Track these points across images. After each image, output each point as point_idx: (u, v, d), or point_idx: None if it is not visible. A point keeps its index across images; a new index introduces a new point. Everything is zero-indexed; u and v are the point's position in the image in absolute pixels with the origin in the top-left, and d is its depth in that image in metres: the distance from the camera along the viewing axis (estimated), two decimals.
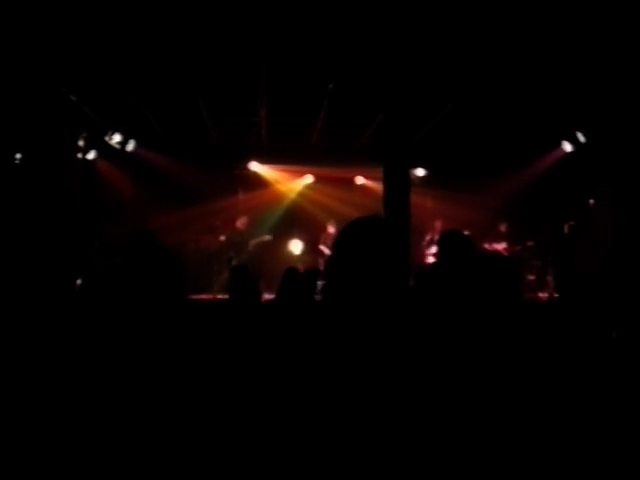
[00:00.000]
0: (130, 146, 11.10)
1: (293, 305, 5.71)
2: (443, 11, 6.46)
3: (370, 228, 1.93)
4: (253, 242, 11.74)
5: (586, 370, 3.29)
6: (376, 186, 11.42)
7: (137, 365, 2.79)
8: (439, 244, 3.48)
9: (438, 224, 11.63)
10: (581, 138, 10.93)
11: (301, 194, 13.31)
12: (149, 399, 2.71)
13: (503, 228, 11.77)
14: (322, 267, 11.74)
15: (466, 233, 11.78)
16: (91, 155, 10.66)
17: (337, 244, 1.95)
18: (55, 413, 2.85)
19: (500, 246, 11.59)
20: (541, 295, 10.88)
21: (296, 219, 12.78)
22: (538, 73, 8.29)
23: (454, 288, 3.11)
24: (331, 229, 11.92)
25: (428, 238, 11.42)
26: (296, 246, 12.17)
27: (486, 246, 11.56)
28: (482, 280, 3.10)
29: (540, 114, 10.38)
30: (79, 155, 10.47)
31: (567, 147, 11.29)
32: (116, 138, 10.76)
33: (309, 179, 13.25)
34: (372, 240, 1.89)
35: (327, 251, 11.69)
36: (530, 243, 11.59)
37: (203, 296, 10.25)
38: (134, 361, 2.80)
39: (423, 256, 11.25)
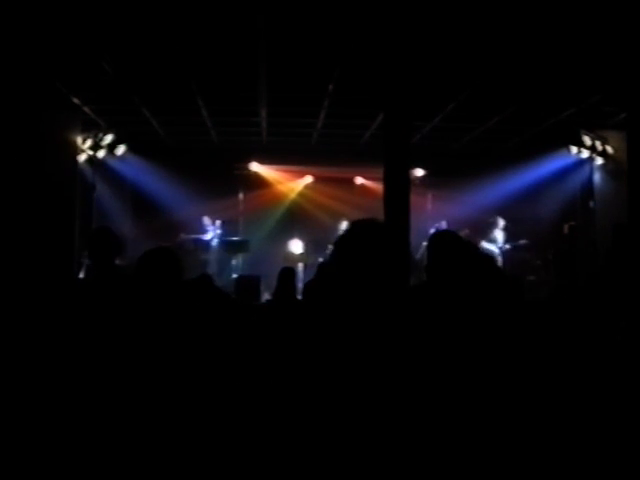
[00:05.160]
0: (120, 150, 11.07)
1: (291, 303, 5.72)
2: (443, 10, 6.46)
3: (369, 231, 1.95)
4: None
5: (587, 369, 3.29)
6: (376, 186, 11.42)
7: (140, 362, 2.79)
8: (430, 245, 3.47)
9: (443, 224, 11.70)
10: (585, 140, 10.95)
11: (301, 194, 13.32)
12: (150, 397, 2.71)
13: (499, 227, 11.77)
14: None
15: (466, 232, 11.78)
16: (87, 155, 10.65)
17: (337, 246, 1.96)
18: (57, 408, 2.85)
19: (496, 247, 11.61)
20: (541, 295, 10.87)
21: (296, 219, 12.78)
22: (539, 73, 8.28)
23: (449, 291, 3.11)
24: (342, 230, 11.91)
25: None
26: (296, 246, 12.17)
27: (484, 244, 11.58)
28: (478, 283, 3.10)
29: (541, 114, 10.39)
30: (79, 155, 10.47)
31: (569, 148, 11.31)
32: (107, 139, 10.74)
33: (309, 179, 13.26)
34: (371, 242, 1.91)
35: None
36: (523, 242, 11.58)
37: None
38: (136, 358, 2.80)
39: None
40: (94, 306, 3.37)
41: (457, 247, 3.34)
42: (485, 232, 11.72)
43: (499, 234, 11.74)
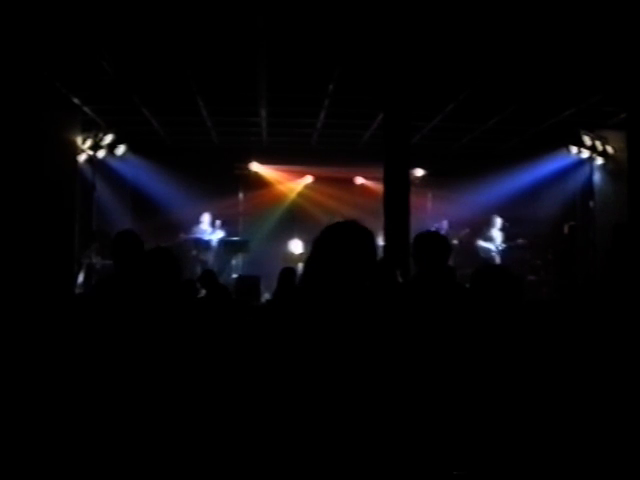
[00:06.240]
0: (120, 150, 11.06)
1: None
2: (443, 10, 6.45)
3: (346, 232, 2.00)
4: None
5: (587, 369, 3.29)
6: (376, 186, 11.42)
7: (138, 361, 2.79)
8: (415, 246, 3.49)
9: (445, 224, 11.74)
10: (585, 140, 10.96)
11: (301, 194, 13.31)
12: (148, 397, 2.71)
13: (496, 227, 11.79)
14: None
15: (466, 232, 11.72)
16: (87, 155, 10.65)
17: (315, 245, 2.01)
18: (55, 409, 2.85)
19: (493, 246, 11.64)
20: (541, 295, 10.88)
21: (296, 219, 12.77)
22: (539, 73, 8.28)
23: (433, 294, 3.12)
24: None
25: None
26: (296, 246, 12.16)
27: (481, 243, 11.63)
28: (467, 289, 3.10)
29: (541, 114, 10.38)
30: (79, 155, 10.47)
31: (569, 148, 11.32)
32: (107, 139, 10.73)
33: (309, 179, 13.26)
34: (347, 242, 1.95)
35: None
36: (520, 241, 11.58)
37: None
38: (136, 359, 2.80)
39: None
40: (104, 308, 3.35)
41: (443, 247, 3.37)
42: (482, 231, 11.76)
43: (497, 233, 11.76)
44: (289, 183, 13.29)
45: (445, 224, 11.78)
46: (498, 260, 11.54)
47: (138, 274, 3.07)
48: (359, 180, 13.26)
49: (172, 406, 2.67)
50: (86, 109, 10.09)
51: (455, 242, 11.76)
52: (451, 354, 2.35)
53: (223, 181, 12.25)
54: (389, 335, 1.92)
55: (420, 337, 2.15)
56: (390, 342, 1.90)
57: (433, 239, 3.51)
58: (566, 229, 12.14)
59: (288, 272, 6.51)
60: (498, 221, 11.77)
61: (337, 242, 1.98)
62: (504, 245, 11.62)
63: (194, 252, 11.63)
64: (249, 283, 10.19)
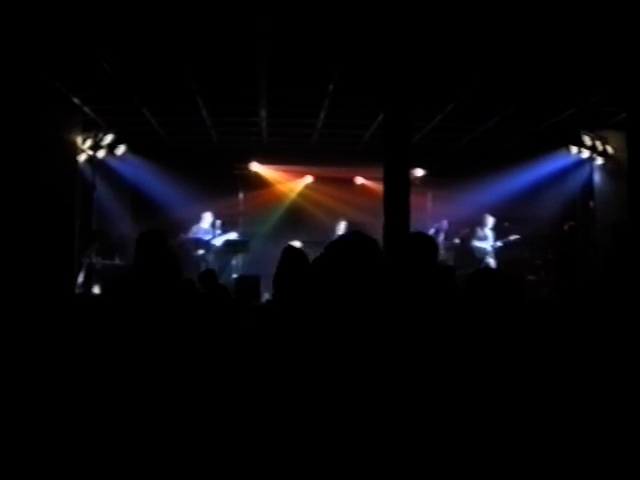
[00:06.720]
0: (120, 150, 11.07)
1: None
2: (443, 10, 6.46)
3: (354, 245, 2.02)
4: None
5: (587, 369, 3.29)
6: (376, 186, 11.42)
7: (141, 363, 2.79)
8: (403, 247, 3.48)
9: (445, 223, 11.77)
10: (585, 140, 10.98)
11: (301, 194, 13.30)
12: (151, 397, 2.71)
13: (488, 226, 11.81)
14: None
15: (466, 231, 11.71)
16: (87, 155, 10.66)
17: (324, 257, 2.02)
18: (56, 411, 2.85)
19: (487, 245, 11.67)
20: (541, 295, 10.89)
21: (296, 219, 12.77)
22: (539, 72, 8.28)
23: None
24: (341, 230, 11.87)
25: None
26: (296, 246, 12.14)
27: (476, 243, 11.65)
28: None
29: (541, 114, 10.39)
30: (79, 155, 10.48)
31: (569, 148, 11.33)
32: (107, 139, 10.74)
33: (309, 179, 13.25)
34: (356, 255, 1.97)
35: None
36: (513, 237, 11.59)
37: None
38: (139, 359, 2.80)
39: None
40: (120, 309, 3.35)
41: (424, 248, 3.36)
42: (475, 231, 11.80)
43: (489, 232, 11.80)
44: (289, 183, 13.27)
45: (445, 224, 11.78)
46: (494, 258, 11.58)
47: (161, 274, 3.07)
48: (359, 180, 13.25)
49: (171, 406, 2.67)
50: (86, 109, 10.09)
51: (456, 241, 11.80)
52: (446, 357, 2.35)
53: (223, 181, 12.25)
54: (387, 338, 1.93)
55: (415, 338, 2.15)
56: (387, 345, 1.91)
57: (415, 240, 3.49)
58: (566, 229, 12.14)
59: None
60: (490, 220, 11.82)
61: (344, 260, 2.00)
62: (498, 243, 11.66)
63: (199, 252, 11.60)
64: (249, 283, 10.18)
